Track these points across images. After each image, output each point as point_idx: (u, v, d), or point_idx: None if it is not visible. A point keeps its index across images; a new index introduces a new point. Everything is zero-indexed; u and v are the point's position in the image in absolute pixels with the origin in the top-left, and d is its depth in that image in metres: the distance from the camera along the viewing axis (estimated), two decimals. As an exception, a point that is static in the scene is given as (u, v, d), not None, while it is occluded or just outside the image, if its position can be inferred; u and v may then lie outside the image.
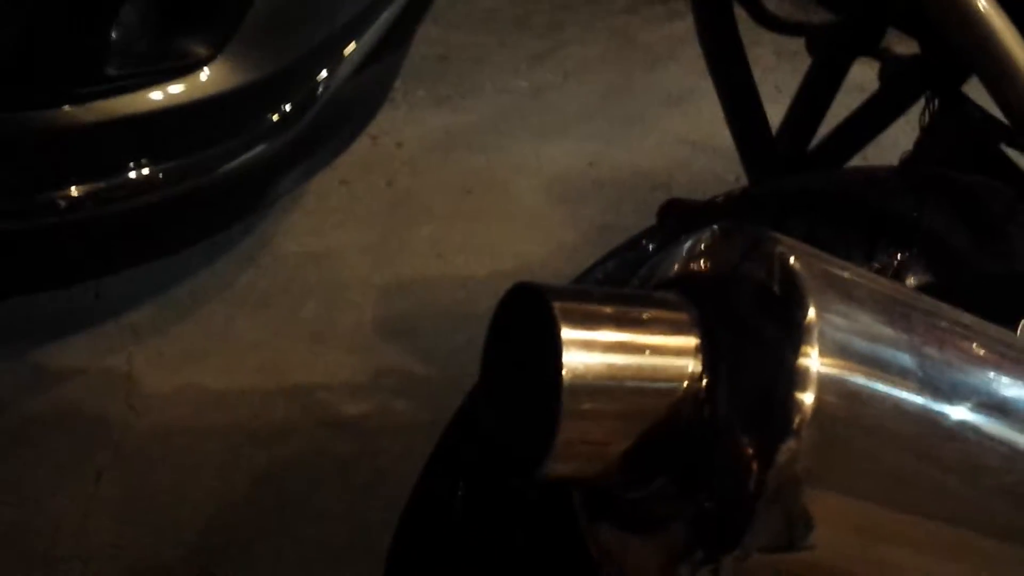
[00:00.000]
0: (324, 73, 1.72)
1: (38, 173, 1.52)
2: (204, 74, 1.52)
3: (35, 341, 1.93)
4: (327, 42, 1.72)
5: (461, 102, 2.76)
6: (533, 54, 2.95)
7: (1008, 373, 0.48)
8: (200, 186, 1.64)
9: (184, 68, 1.51)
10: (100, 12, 1.37)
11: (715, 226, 0.50)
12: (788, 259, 0.46)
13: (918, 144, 1.17)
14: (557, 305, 0.45)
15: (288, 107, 1.67)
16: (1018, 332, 0.55)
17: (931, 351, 0.46)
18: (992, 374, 0.47)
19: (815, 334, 0.44)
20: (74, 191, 1.54)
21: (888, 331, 0.46)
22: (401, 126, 2.61)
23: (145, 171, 1.58)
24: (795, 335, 0.44)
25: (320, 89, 1.71)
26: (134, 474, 1.75)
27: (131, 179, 1.58)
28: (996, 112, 0.99)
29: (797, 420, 0.43)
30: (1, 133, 1.47)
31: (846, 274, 0.48)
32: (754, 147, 1.01)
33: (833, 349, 0.44)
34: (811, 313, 0.44)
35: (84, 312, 1.98)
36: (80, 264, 1.69)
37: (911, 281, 0.72)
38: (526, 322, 0.46)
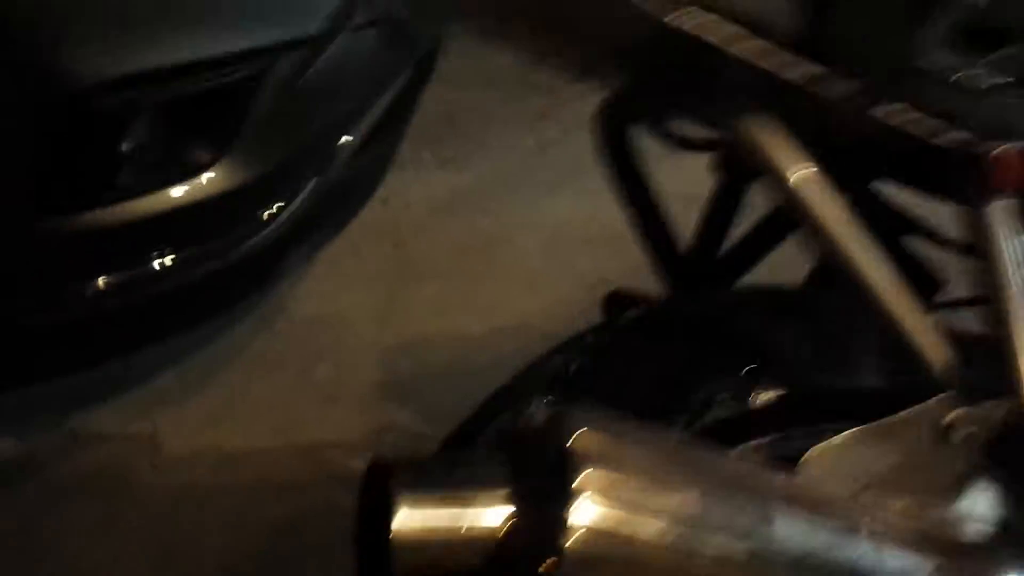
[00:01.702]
0: (322, 162, 1.90)
1: (64, 272, 1.70)
2: (208, 176, 1.69)
3: (68, 408, 2.11)
4: (323, 135, 1.89)
5: (467, 161, 2.92)
6: (536, 111, 3.10)
7: (767, 517, 0.63)
8: (210, 273, 1.81)
9: (190, 171, 1.68)
10: (107, 138, 1.55)
11: (539, 399, 0.65)
12: (572, 435, 0.61)
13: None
14: (394, 479, 0.60)
15: (289, 196, 1.84)
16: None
17: (687, 509, 0.61)
18: (745, 519, 0.62)
19: (582, 497, 0.59)
20: (100, 284, 1.72)
21: (647, 495, 0.60)
22: (409, 188, 2.77)
23: (161, 262, 1.75)
24: (567, 496, 0.59)
25: (316, 179, 1.88)
26: (158, 532, 1.92)
27: (150, 270, 1.75)
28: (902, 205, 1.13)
29: (564, 566, 0.58)
30: (29, 237, 1.64)
31: (626, 443, 0.63)
32: (663, 259, 1.15)
33: (595, 509, 0.59)
34: (581, 480, 0.60)
35: (114, 379, 2.16)
36: (108, 349, 1.87)
37: (761, 393, 0.86)
38: (379, 488, 0.61)
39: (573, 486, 0.59)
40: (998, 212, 0.80)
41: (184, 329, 1.98)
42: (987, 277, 0.79)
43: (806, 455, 0.72)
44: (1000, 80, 0.79)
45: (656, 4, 0.73)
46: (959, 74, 0.79)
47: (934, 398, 0.77)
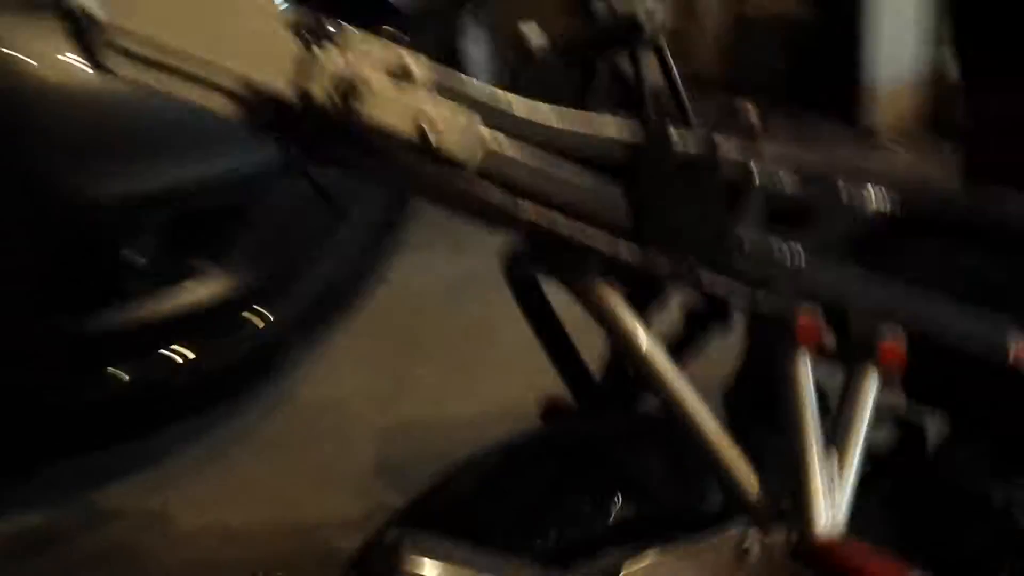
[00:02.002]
0: (318, 263, 2.09)
1: (83, 362, 1.91)
2: (208, 282, 1.89)
3: (88, 485, 2.30)
4: (316, 238, 2.09)
5: (473, 246, 3.09)
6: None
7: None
8: (217, 366, 2.01)
9: (192, 278, 1.88)
10: (113, 250, 1.76)
11: (391, 532, 0.82)
12: (407, 561, 0.78)
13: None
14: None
15: (287, 296, 2.04)
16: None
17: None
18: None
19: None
20: (115, 373, 1.93)
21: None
22: (417, 274, 2.96)
23: (171, 356, 1.95)
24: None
25: (313, 278, 2.08)
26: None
27: (160, 362, 1.95)
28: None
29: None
30: (51, 334, 1.85)
31: (454, 569, 0.79)
32: (575, 387, 1.31)
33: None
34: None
35: (130, 459, 2.35)
36: (124, 431, 2.07)
37: (618, 507, 1.01)
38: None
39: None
40: (800, 361, 0.95)
41: (193, 414, 2.17)
42: (790, 414, 0.95)
43: (621, 573, 0.88)
44: (804, 251, 0.95)
45: (507, 203, 0.90)
46: (771, 247, 0.95)
47: (735, 521, 0.92)
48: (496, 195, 0.90)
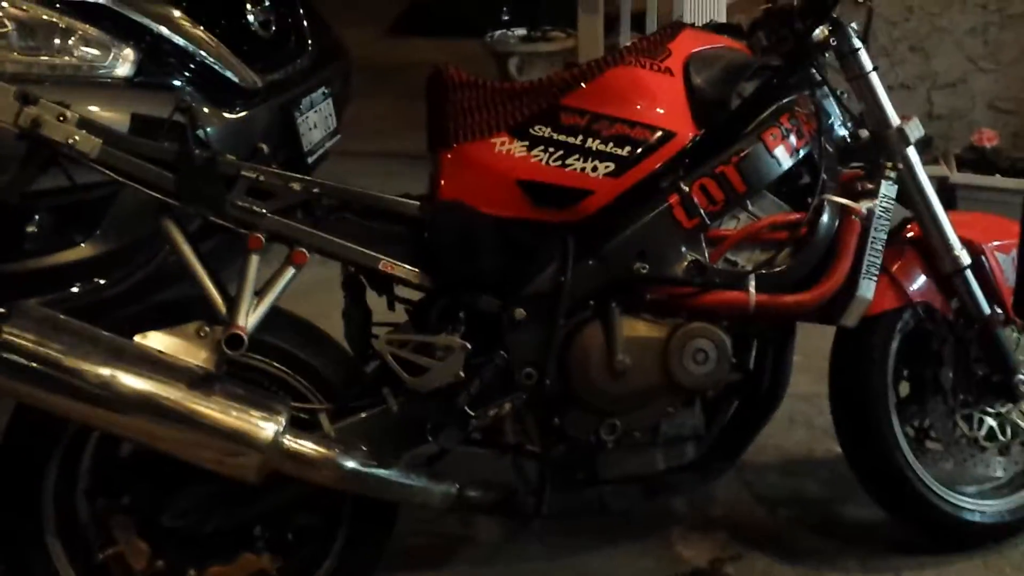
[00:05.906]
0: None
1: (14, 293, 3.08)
2: (80, 247, 3.08)
3: None
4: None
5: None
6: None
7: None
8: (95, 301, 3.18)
9: (71, 244, 3.07)
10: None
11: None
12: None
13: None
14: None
15: (140, 262, 3.21)
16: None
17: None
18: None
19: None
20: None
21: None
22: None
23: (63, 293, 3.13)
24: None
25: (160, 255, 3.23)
26: None
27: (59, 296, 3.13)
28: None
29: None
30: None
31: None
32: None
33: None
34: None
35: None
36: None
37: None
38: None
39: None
40: (250, 258, 2.07)
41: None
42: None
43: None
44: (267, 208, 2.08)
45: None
46: (251, 206, 2.07)
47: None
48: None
